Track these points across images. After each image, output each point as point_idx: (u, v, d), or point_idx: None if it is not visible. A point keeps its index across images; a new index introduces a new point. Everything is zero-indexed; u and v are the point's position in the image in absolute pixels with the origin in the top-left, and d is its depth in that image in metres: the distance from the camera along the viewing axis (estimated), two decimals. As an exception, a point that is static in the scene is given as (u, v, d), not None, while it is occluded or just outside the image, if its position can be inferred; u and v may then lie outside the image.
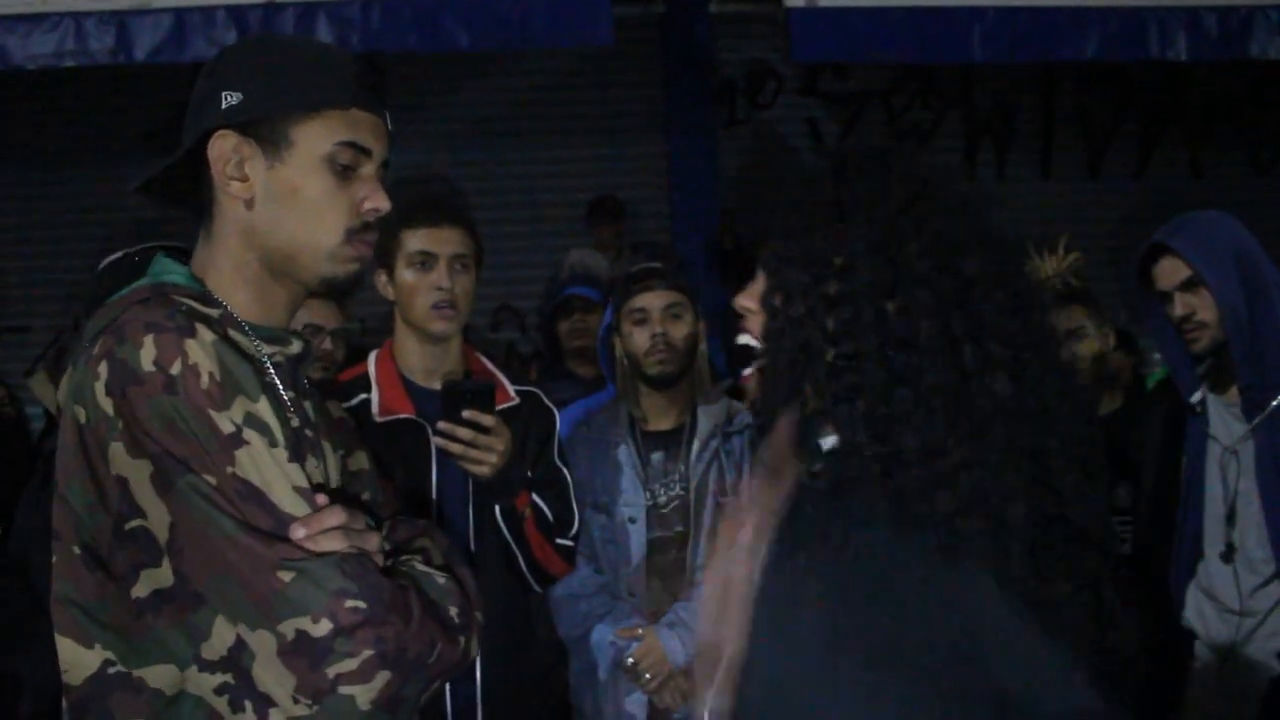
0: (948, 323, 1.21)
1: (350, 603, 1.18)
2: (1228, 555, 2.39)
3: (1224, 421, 2.45)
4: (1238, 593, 2.38)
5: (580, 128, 6.50)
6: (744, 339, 1.35)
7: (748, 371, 1.35)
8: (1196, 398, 2.49)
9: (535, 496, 2.34)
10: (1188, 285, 2.38)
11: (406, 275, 2.32)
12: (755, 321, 1.33)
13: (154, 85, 5.59)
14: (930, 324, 1.20)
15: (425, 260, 2.32)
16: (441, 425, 2.20)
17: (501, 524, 2.29)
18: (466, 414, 2.18)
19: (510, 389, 2.42)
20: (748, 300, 1.34)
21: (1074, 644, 1.18)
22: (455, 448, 2.19)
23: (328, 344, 3.00)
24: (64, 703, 1.28)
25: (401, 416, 2.31)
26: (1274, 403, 2.34)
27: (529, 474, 2.37)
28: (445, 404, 2.21)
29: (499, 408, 2.28)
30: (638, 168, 6.54)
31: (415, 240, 2.32)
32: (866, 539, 1.21)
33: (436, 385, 2.35)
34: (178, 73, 4.37)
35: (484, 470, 2.21)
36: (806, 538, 1.27)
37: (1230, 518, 2.39)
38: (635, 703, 2.74)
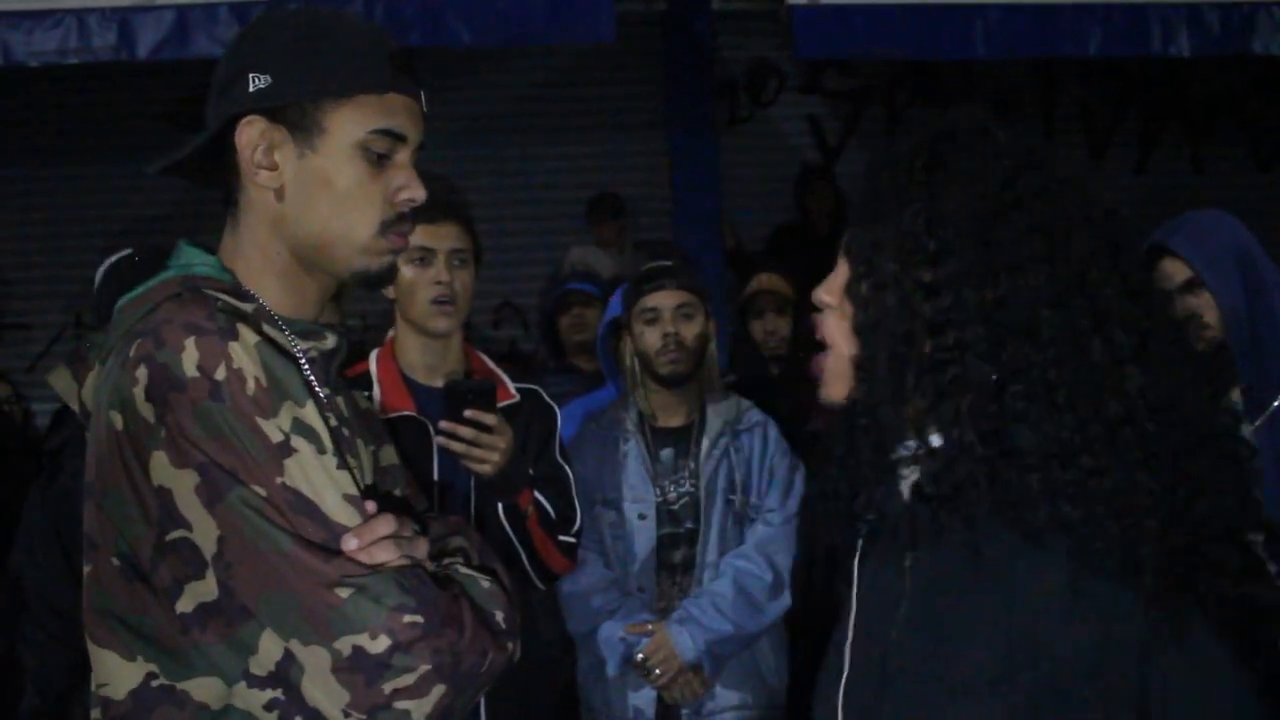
0: (1069, 310, 1.09)
1: (409, 618, 1.14)
2: None
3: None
4: None
5: (582, 124, 6.49)
6: (820, 336, 1.24)
7: (821, 359, 1.24)
8: None
9: (538, 494, 2.35)
10: (1188, 287, 2.35)
11: (405, 271, 2.32)
12: (832, 318, 1.22)
13: (157, 81, 5.59)
14: (1051, 313, 1.09)
15: (423, 256, 2.32)
16: (443, 424, 2.20)
17: (504, 521, 2.29)
18: (468, 413, 2.18)
19: (511, 386, 2.42)
20: (826, 294, 1.23)
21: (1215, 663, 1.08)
22: (457, 446, 2.19)
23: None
24: (99, 715, 1.23)
25: (403, 414, 2.31)
26: (1275, 403, 2.33)
27: (531, 471, 2.37)
28: (447, 403, 2.21)
29: (500, 405, 2.29)
30: (639, 165, 6.53)
31: (413, 236, 2.31)
32: (989, 540, 1.11)
33: (437, 383, 2.36)
34: (181, 69, 4.38)
35: (486, 469, 2.21)
36: (914, 540, 1.18)
37: None
38: (644, 698, 2.75)
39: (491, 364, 2.49)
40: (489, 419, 2.20)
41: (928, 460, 1.16)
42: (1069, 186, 1.16)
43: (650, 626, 2.70)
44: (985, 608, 1.10)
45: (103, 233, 5.94)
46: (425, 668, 1.14)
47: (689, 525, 2.76)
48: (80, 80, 5.58)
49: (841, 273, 1.22)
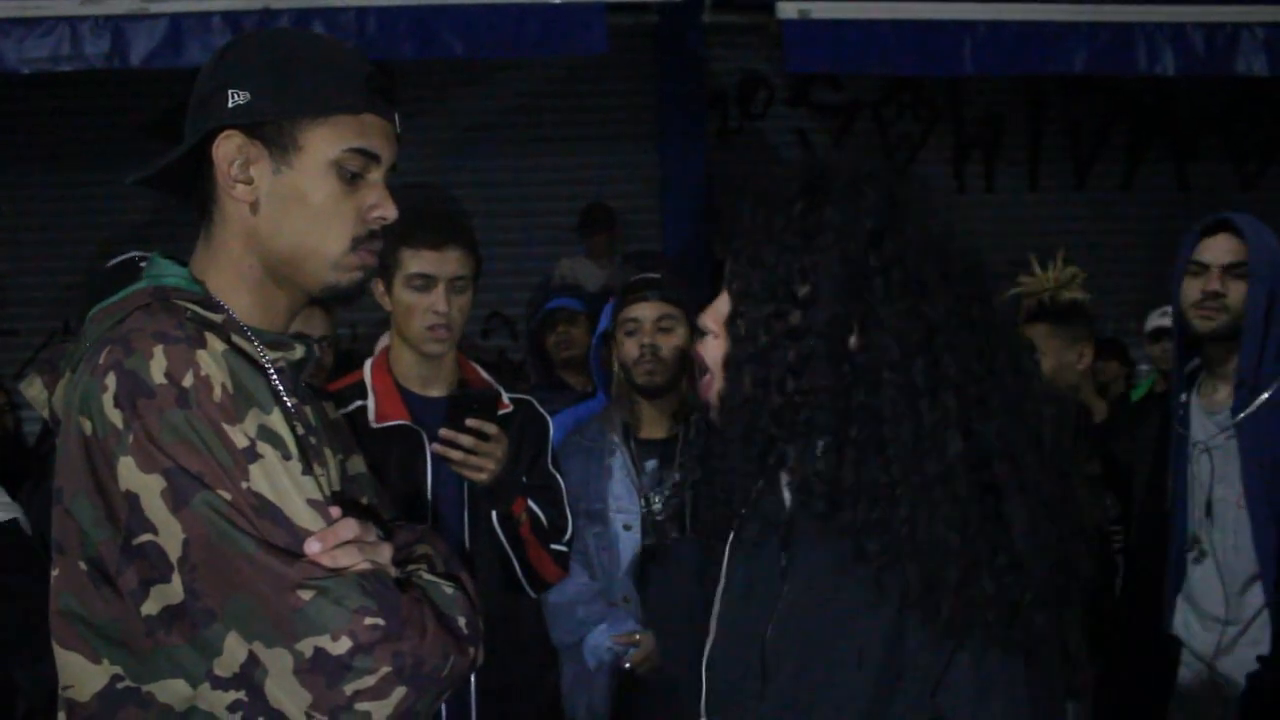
0: (909, 372, 1.21)
1: (370, 620, 1.16)
2: (1197, 550, 2.45)
3: (1200, 422, 2.51)
4: (1223, 599, 2.42)
5: (573, 136, 6.52)
6: (702, 358, 1.36)
7: (706, 378, 1.36)
8: (1182, 399, 2.55)
9: (530, 502, 2.37)
10: (1232, 268, 2.45)
11: (405, 294, 2.33)
12: (714, 345, 1.33)
13: (150, 88, 5.60)
14: (893, 374, 1.21)
15: (424, 283, 2.33)
16: (444, 432, 2.22)
17: (498, 529, 2.31)
18: (471, 422, 2.20)
19: (505, 396, 2.45)
20: (710, 321, 1.34)
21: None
22: (455, 455, 2.21)
23: (315, 351, 3.01)
24: (65, 718, 1.25)
25: (397, 423, 2.33)
26: (1259, 399, 2.40)
27: (524, 480, 2.39)
28: (451, 413, 2.23)
29: (497, 414, 2.32)
30: (630, 176, 6.57)
31: (415, 262, 2.32)
32: (808, 568, 1.28)
33: (432, 393, 2.38)
34: (174, 76, 4.39)
35: (483, 477, 2.24)
36: (788, 545, 1.32)
37: (1207, 515, 2.45)
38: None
39: (486, 374, 2.51)
40: (490, 428, 2.22)
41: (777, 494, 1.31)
42: (929, 246, 1.27)
43: (638, 636, 2.72)
44: (850, 606, 1.24)
45: (95, 239, 5.96)
46: (386, 669, 1.17)
47: (675, 535, 2.78)
48: (74, 86, 5.58)
49: (723, 303, 1.33)
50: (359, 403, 2.35)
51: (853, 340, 1.24)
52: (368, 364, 2.44)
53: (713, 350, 1.33)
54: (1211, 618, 2.44)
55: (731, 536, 1.42)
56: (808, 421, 1.24)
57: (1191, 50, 4.87)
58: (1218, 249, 2.47)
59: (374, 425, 2.32)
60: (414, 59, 4.59)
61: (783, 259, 1.26)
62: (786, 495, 1.34)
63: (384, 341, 2.49)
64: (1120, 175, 6.94)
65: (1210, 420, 2.50)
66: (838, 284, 1.24)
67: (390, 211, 1.36)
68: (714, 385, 1.34)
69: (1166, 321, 3.85)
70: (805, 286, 1.25)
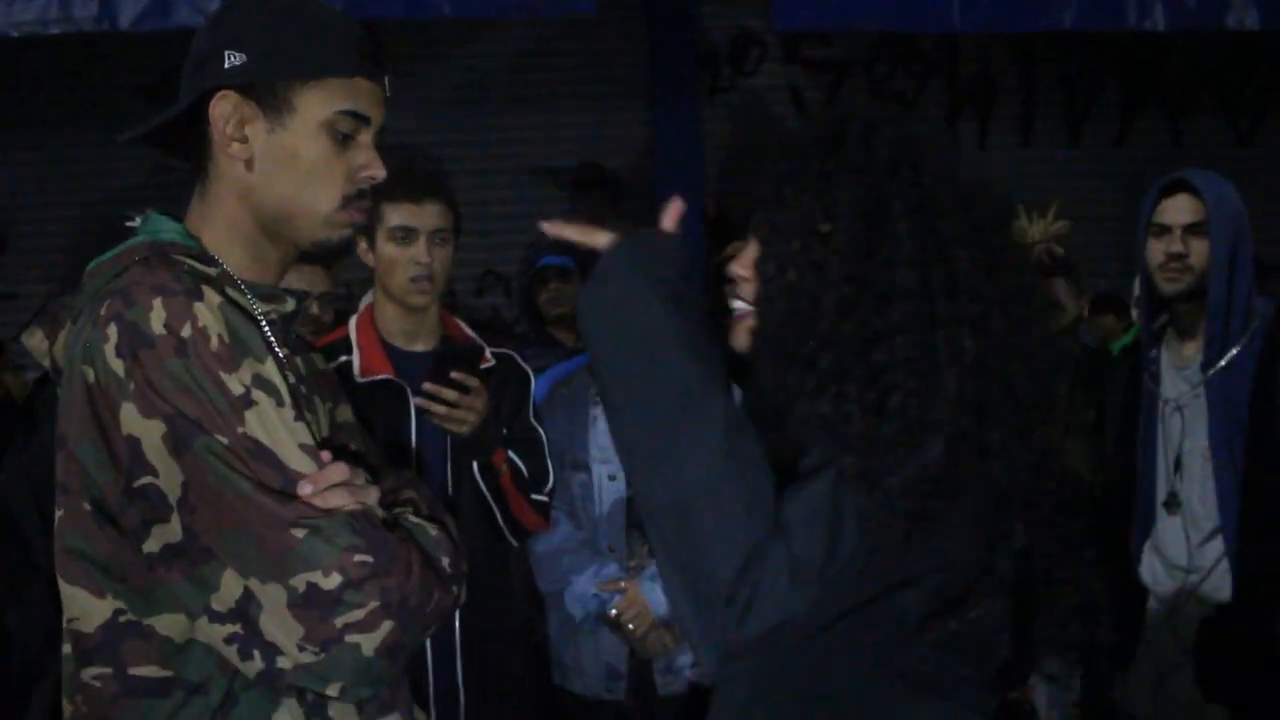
0: (925, 275, 1.26)
1: (359, 557, 1.22)
2: (1171, 504, 2.49)
3: (1171, 379, 2.55)
4: (1186, 549, 2.47)
5: (564, 94, 6.52)
6: (738, 305, 1.41)
7: (738, 314, 1.40)
8: (1151, 355, 2.59)
9: (511, 453, 2.42)
10: (1193, 228, 2.47)
11: (387, 248, 2.38)
12: (748, 288, 1.39)
13: (144, 50, 5.59)
14: (909, 272, 1.26)
15: (406, 235, 2.38)
16: (427, 386, 2.27)
17: (479, 480, 2.37)
18: (454, 375, 2.26)
19: (487, 351, 2.49)
20: (741, 268, 1.39)
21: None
22: (438, 408, 2.27)
23: (315, 308, 3.05)
24: (70, 649, 1.32)
25: (382, 377, 2.38)
26: (1229, 355, 2.44)
27: (505, 432, 2.44)
28: (434, 367, 2.29)
29: (478, 369, 2.37)
30: (621, 135, 6.56)
31: (396, 215, 2.38)
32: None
33: (415, 348, 2.44)
34: (167, 38, 4.39)
35: (463, 429, 2.30)
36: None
37: (1176, 470, 2.49)
38: (615, 654, 2.82)
39: (469, 330, 2.55)
40: (472, 381, 2.28)
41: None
42: (944, 173, 1.33)
43: (623, 584, 2.78)
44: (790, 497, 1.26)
45: (92, 202, 5.97)
46: (374, 604, 1.23)
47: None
48: (67, 48, 5.58)
49: (753, 248, 1.39)
50: (344, 358, 2.40)
51: (869, 266, 1.28)
52: (352, 320, 2.49)
53: (745, 292, 1.39)
54: (1176, 566, 2.50)
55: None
56: (821, 345, 1.28)
57: (1183, 5, 4.84)
58: (1177, 210, 2.49)
59: (359, 379, 2.37)
60: (404, 18, 4.58)
61: (804, 198, 1.32)
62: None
63: (369, 298, 2.54)
64: (1114, 132, 6.93)
65: (1180, 376, 2.54)
66: (856, 214, 1.29)
67: (379, 171, 1.43)
68: (743, 324, 1.39)
69: None
70: (827, 224, 1.31)
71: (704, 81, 6.60)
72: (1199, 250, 2.45)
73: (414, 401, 2.34)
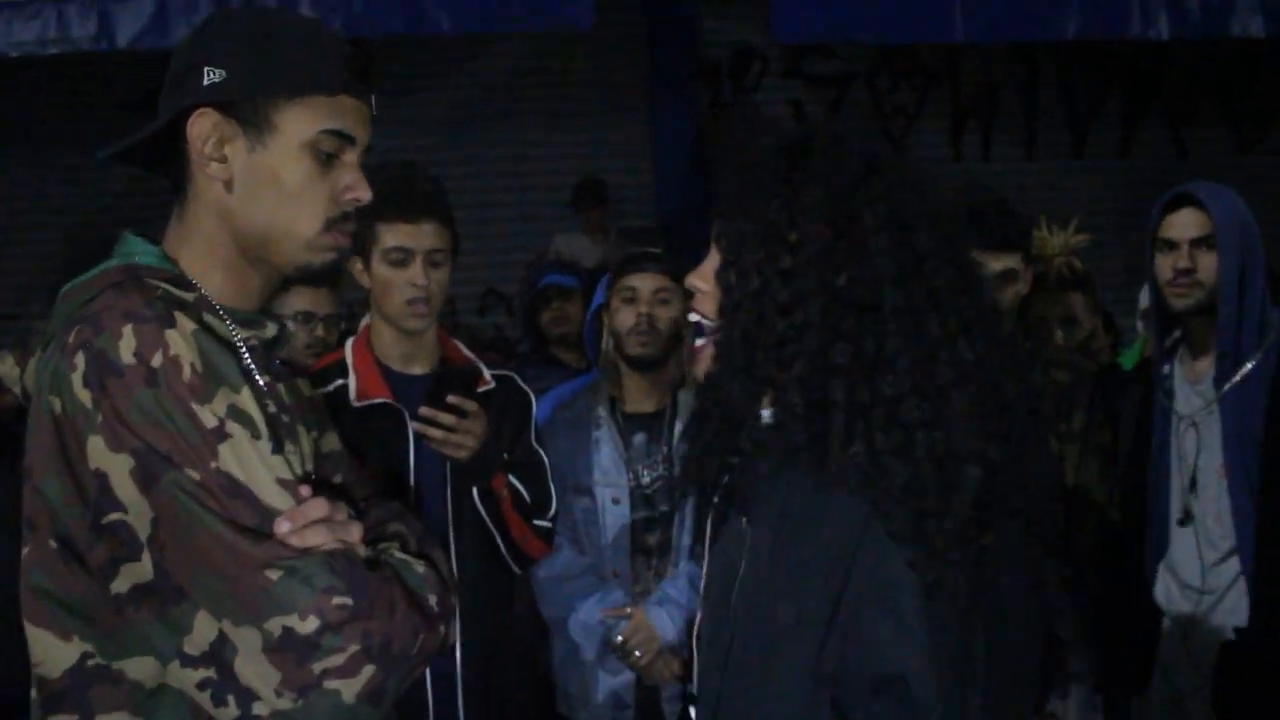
0: (910, 293, 1.24)
1: (338, 599, 1.17)
2: (1185, 520, 2.45)
3: (1185, 395, 2.50)
4: (1200, 569, 2.42)
5: (564, 111, 6.50)
6: (694, 317, 1.39)
7: (699, 343, 1.38)
8: (1164, 370, 2.54)
9: (512, 478, 2.37)
10: (1200, 242, 2.43)
11: (382, 270, 2.33)
12: (706, 300, 1.36)
13: (142, 67, 5.57)
14: (894, 291, 1.23)
15: (401, 256, 2.32)
16: (424, 411, 2.23)
17: (480, 505, 2.32)
18: (451, 398, 2.21)
19: (487, 373, 2.45)
20: (699, 279, 1.37)
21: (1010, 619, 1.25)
22: (435, 433, 2.22)
23: (320, 330, 3.02)
24: (36, 694, 1.26)
25: (379, 401, 2.34)
26: (1243, 370, 2.40)
27: (505, 456, 2.39)
28: (431, 390, 2.24)
29: (477, 391, 2.33)
30: (622, 150, 6.55)
31: (391, 235, 2.32)
32: (799, 504, 1.27)
33: (413, 371, 2.39)
34: (162, 56, 4.37)
35: (462, 454, 2.25)
36: (749, 505, 1.33)
37: (1191, 488, 2.45)
38: (621, 682, 2.76)
39: (467, 351, 2.51)
40: (469, 405, 2.23)
41: (760, 433, 1.31)
42: (912, 187, 1.31)
43: (629, 610, 2.73)
44: (801, 557, 1.25)
45: (101, 223, 5.95)
46: (354, 648, 1.18)
47: (663, 509, 2.78)
48: (68, 67, 5.57)
49: (713, 260, 1.35)
50: (340, 381, 2.35)
51: (841, 278, 1.26)
52: (349, 343, 2.45)
53: (702, 305, 1.37)
54: (1190, 587, 2.45)
55: (712, 510, 1.44)
56: (794, 354, 1.26)
57: (1186, 13, 4.81)
58: (1182, 225, 2.45)
59: (355, 404, 2.33)
60: (401, 34, 4.56)
61: (771, 206, 1.30)
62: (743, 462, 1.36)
63: (366, 320, 2.49)
64: (1117, 142, 6.90)
65: (1194, 391, 2.49)
66: (826, 223, 1.27)
67: (364, 194, 1.37)
68: (702, 345, 1.37)
69: None
70: (794, 232, 1.28)
71: (704, 96, 6.58)
72: (1207, 265, 2.41)
73: (411, 426, 2.30)
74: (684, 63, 6.43)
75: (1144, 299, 4.86)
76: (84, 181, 6.25)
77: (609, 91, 6.55)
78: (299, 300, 2.91)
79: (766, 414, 1.32)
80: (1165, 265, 2.46)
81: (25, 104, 6.24)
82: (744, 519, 1.35)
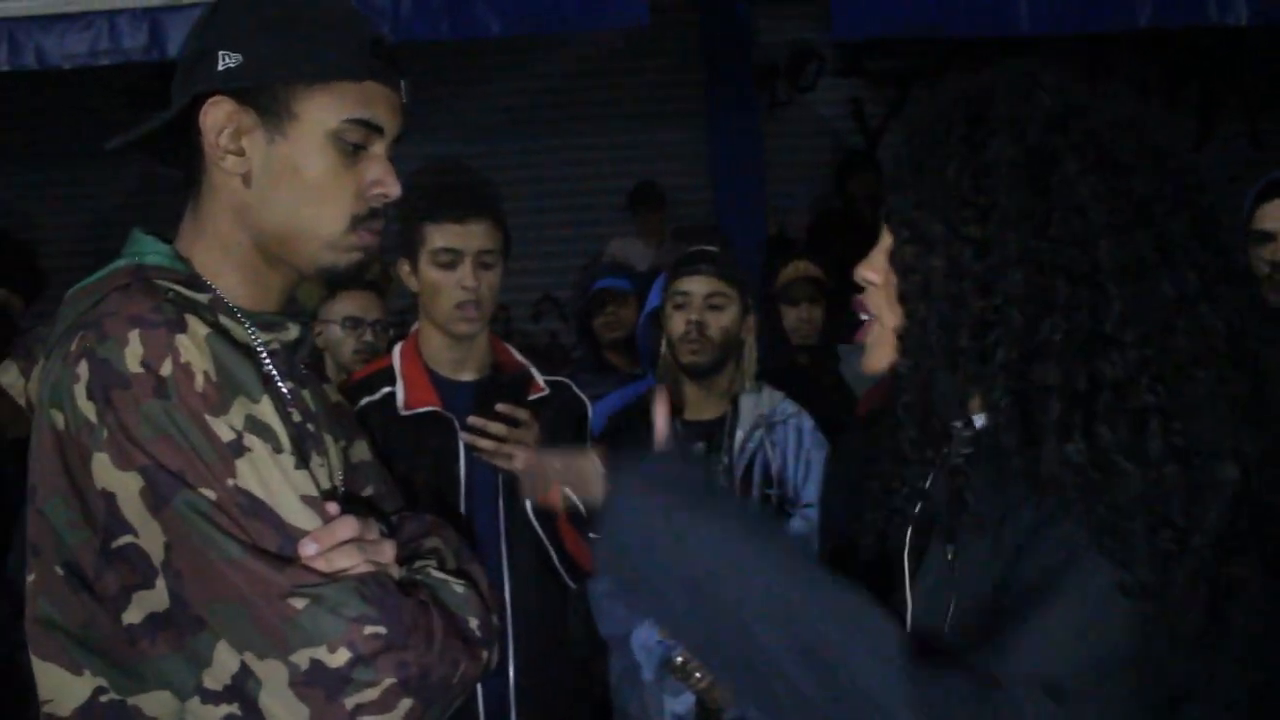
0: (1132, 247, 0.99)
1: (370, 629, 1.08)
2: None
3: None
4: None
5: (619, 114, 6.43)
6: (866, 317, 1.17)
7: (864, 320, 1.17)
8: None
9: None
10: None
11: (431, 272, 2.26)
12: (875, 295, 1.14)
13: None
14: (1112, 246, 0.99)
15: (450, 259, 2.25)
16: (473, 420, 2.14)
17: (533, 518, 2.23)
18: (500, 407, 2.12)
19: (540, 379, 2.36)
20: (870, 270, 1.14)
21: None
22: (486, 444, 2.13)
23: (369, 335, 2.96)
24: None
25: (428, 410, 2.25)
26: None
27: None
28: (480, 398, 2.15)
29: (529, 399, 2.26)
30: (679, 153, 6.46)
31: (440, 236, 2.25)
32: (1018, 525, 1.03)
33: (463, 378, 2.31)
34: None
35: (515, 464, 2.15)
36: (952, 534, 1.11)
37: None
38: (682, 704, 2.66)
39: (520, 356, 2.42)
40: (521, 413, 2.14)
41: (970, 441, 1.08)
42: (1125, 126, 1.05)
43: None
44: (1031, 603, 0.98)
45: (125, 235, 5.97)
46: (390, 681, 1.08)
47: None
48: (111, 78, 5.60)
49: (884, 243, 1.13)
50: (388, 389, 2.27)
51: (1045, 239, 1.01)
52: (397, 349, 2.38)
53: (877, 300, 1.15)
54: None
55: (908, 543, 1.20)
56: (998, 341, 1.03)
57: (1265, -3, 4.62)
58: (1275, 214, 2.28)
59: (403, 412, 2.24)
60: (450, 39, 4.50)
61: (950, 167, 1.06)
62: (947, 479, 1.13)
63: (416, 326, 2.42)
64: (1193, 134, 6.68)
65: None
66: (1020, 178, 1.03)
67: (393, 188, 1.26)
68: (877, 335, 1.14)
69: None
70: (980, 193, 1.04)
71: (762, 96, 6.47)
72: None
73: (461, 436, 2.21)
74: (740, 62, 6.33)
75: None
76: (119, 196, 6.26)
77: (664, 93, 6.47)
78: (347, 305, 2.85)
79: (979, 420, 1.09)
80: (1259, 259, 2.29)
81: (73, 117, 6.27)
82: (949, 550, 1.13)
